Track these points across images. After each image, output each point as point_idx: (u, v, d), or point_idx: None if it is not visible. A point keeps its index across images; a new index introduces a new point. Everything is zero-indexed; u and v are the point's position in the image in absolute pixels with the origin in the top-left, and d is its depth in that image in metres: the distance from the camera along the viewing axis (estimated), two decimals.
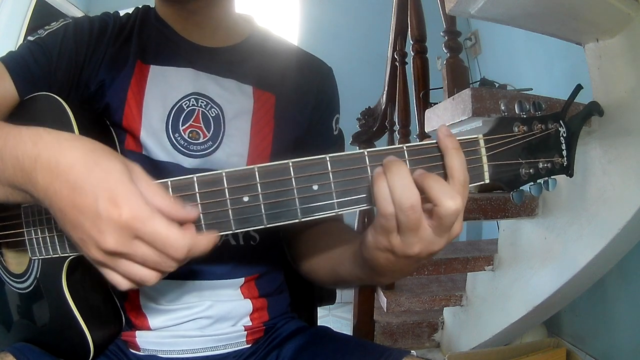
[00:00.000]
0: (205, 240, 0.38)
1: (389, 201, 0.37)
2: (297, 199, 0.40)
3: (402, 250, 0.40)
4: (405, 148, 0.41)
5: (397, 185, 0.37)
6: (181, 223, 0.38)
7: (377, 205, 0.38)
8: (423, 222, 0.38)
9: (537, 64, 2.16)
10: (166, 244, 0.36)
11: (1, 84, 0.56)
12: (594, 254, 1.12)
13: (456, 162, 0.39)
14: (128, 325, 0.62)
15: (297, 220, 0.40)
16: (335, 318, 2.51)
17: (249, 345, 0.64)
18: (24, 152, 0.38)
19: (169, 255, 0.36)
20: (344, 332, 0.70)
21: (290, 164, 0.40)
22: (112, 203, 0.35)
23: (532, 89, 1.45)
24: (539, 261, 1.34)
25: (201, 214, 0.40)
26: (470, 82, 1.75)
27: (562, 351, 1.52)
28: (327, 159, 0.40)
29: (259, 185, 0.40)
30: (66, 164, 0.37)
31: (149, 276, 0.38)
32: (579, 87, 0.46)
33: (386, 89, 2.02)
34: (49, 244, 0.50)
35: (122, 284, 0.38)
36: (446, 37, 1.49)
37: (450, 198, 0.37)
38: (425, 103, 1.58)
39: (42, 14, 2.28)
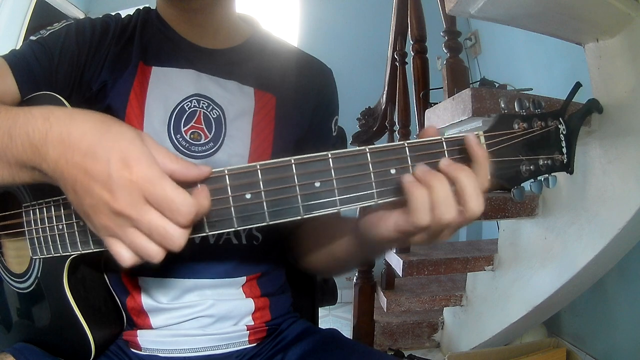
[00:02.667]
0: (205, 198, 0.38)
1: (428, 213, 0.39)
2: (299, 196, 0.40)
3: (418, 241, 0.42)
4: (406, 145, 0.41)
5: (440, 201, 0.38)
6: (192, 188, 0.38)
7: (415, 216, 0.39)
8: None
9: (537, 64, 2.16)
10: (172, 207, 0.36)
11: (4, 81, 0.56)
12: (594, 254, 1.13)
13: (484, 171, 0.41)
14: (129, 325, 0.62)
15: (299, 218, 0.40)
16: (335, 318, 2.51)
17: (252, 345, 0.64)
18: (35, 127, 0.39)
19: (176, 220, 0.36)
20: (344, 332, 0.70)
21: (293, 161, 0.40)
22: (123, 164, 0.36)
23: (532, 89, 1.45)
24: (539, 261, 1.34)
25: None
26: (470, 82, 1.75)
27: (562, 351, 1.52)
28: (329, 156, 0.40)
29: (261, 182, 0.40)
30: (78, 134, 0.37)
31: (154, 251, 0.37)
32: (578, 85, 0.46)
33: (386, 89, 2.02)
34: (50, 243, 0.50)
35: (127, 257, 0.38)
36: (446, 37, 1.49)
37: (478, 206, 0.39)
38: (425, 103, 1.58)
39: (42, 14, 2.28)
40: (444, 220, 0.39)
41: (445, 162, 0.40)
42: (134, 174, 0.35)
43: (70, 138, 0.37)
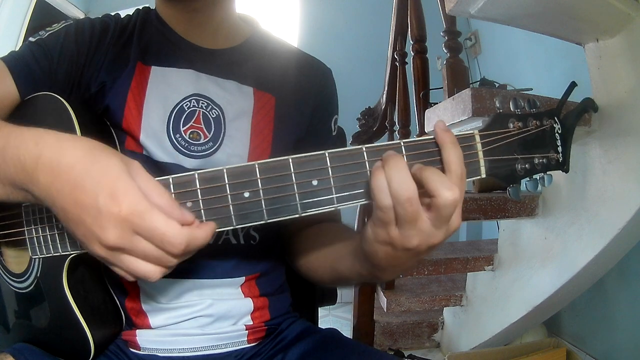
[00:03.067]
0: (204, 233, 0.39)
1: (387, 193, 0.38)
2: (297, 194, 0.40)
3: (401, 242, 0.40)
4: (402, 144, 0.41)
5: (394, 178, 0.38)
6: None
7: (375, 198, 0.39)
8: (421, 215, 0.39)
9: (537, 64, 2.16)
10: (164, 239, 0.36)
11: (3, 83, 0.56)
12: (594, 254, 1.13)
13: (453, 155, 0.40)
14: (128, 325, 0.62)
15: (297, 216, 0.41)
16: (335, 318, 2.51)
17: (251, 345, 0.64)
18: (26, 151, 0.39)
19: (167, 251, 0.37)
20: (344, 332, 0.69)
21: (290, 159, 0.40)
22: (112, 199, 0.36)
23: (532, 89, 1.45)
24: (539, 261, 1.34)
25: (202, 210, 0.40)
26: (470, 82, 1.75)
27: (562, 351, 1.52)
28: (326, 154, 0.41)
29: (259, 180, 0.40)
30: (67, 164, 0.37)
31: (152, 271, 0.38)
32: (573, 85, 0.46)
33: (386, 89, 2.02)
34: (50, 243, 0.50)
35: (128, 277, 0.39)
36: (446, 37, 1.49)
37: (448, 189, 0.37)
38: (425, 103, 1.58)
39: (42, 14, 2.28)
40: (402, 196, 0.37)
41: (414, 167, 0.39)
42: (123, 210, 0.36)
43: (60, 167, 0.37)
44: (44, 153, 0.38)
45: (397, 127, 1.90)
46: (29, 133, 0.40)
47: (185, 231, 0.37)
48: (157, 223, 0.36)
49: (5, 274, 0.61)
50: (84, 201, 0.36)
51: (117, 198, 0.36)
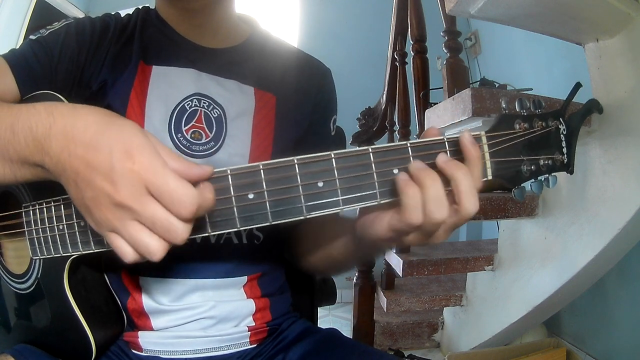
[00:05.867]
0: (211, 194, 0.37)
1: (420, 211, 0.38)
2: (302, 196, 0.40)
3: (413, 241, 0.42)
4: (409, 145, 0.41)
5: (431, 199, 0.38)
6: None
7: (407, 214, 0.39)
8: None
9: (537, 64, 2.16)
10: (174, 197, 0.35)
11: (3, 80, 0.56)
12: (594, 254, 1.13)
13: (477, 171, 0.40)
14: (130, 326, 0.62)
15: (302, 217, 0.40)
16: (335, 318, 2.51)
17: (253, 346, 0.64)
18: (38, 121, 0.39)
19: (177, 213, 0.35)
20: (344, 332, 0.69)
21: (295, 161, 0.40)
22: (126, 155, 0.35)
23: (532, 89, 1.45)
24: (539, 261, 1.34)
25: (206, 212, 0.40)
26: (470, 82, 1.75)
27: (562, 351, 1.52)
28: (332, 156, 0.40)
29: (264, 182, 0.39)
30: (81, 126, 0.37)
31: (156, 246, 0.36)
32: (578, 85, 0.46)
33: (386, 89, 2.02)
34: (51, 244, 0.50)
35: (128, 253, 0.37)
36: (446, 37, 1.49)
37: (474, 204, 0.39)
38: (425, 103, 1.58)
39: (42, 14, 2.28)
40: (435, 219, 0.38)
41: (442, 158, 0.40)
42: (137, 164, 0.35)
43: (74, 130, 0.37)
44: (57, 120, 0.38)
45: (397, 127, 1.90)
46: (41, 105, 0.40)
47: (197, 192, 0.36)
48: (170, 180, 0.35)
49: (5, 275, 0.61)
50: (97, 160, 0.36)
51: (131, 154, 0.35)
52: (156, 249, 0.36)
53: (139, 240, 0.36)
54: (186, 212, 0.35)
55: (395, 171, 0.41)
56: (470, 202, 0.39)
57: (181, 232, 0.36)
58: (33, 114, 0.40)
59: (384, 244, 0.43)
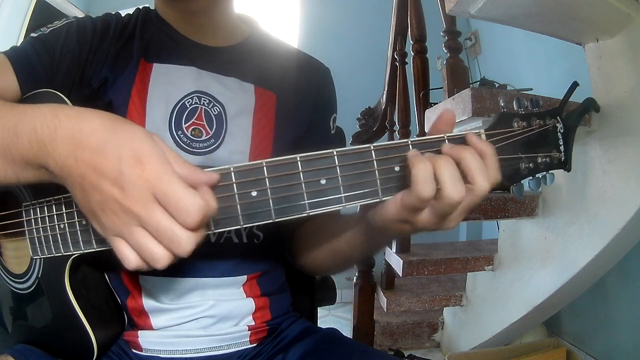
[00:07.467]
0: (213, 200, 0.37)
1: (430, 184, 0.38)
2: (305, 194, 0.40)
3: (423, 225, 0.41)
4: (410, 142, 0.41)
5: (447, 180, 0.38)
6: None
7: (418, 187, 0.38)
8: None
9: (537, 64, 2.16)
10: (180, 206, 0.35)
11: (4, 77, 0.56)
12: (594, 254, 1.13)
13: (493, 164, 0.41)
14: (130, 325, 0.62)
15: (305, 215, 0.40)
16: (335, 318, 2.51)
17: (253, 345, 0.64)
18: (44, 123, 0.38)
19: (183, 221, 0.35)
20: (344, 332, 0.69)
21: (298, 158, 0.40)
22: (136, 160, 0.35)
23: (532, 89, 1.45)
24: (539, 261, 1.34)
25: None
26: (470, 82, 1.75)
27: (562, 351, 1.52)
28: (335, 153, 0.40)
29: (267, 179, 0.40)
30: (88, 130, 0.37)
31: (160, 253, 0.36)
32: (575, 84, 0.46)
33: (386, 89, 2.02)
34: (51, 243, 0.50)
35: (132, 259, 0.37)
36: (446, 37, 1.49)
37: (486, 178, 0.39)
38: (425, 103, 1.58)
39: (42, 14, 2.28)
40: (453, 199, 0.38)
41: (447, 146, 0.40)
42: (146, 171, 0.35)
43: (81, 134, 0.37)
44: (63, 123, 0.38)
45: (397, 127, 1.90)
46: (46, 107, 0.40)
47: (202, 200, 0.36)
48: (177, 189, 0.35)
49: (5, 275, 0.61)
50: (105, 165, 0.36)
51: (141, 160, 0.35)
52: (160, 257, 0.36)
53: (144, 246, 0.36)
54: (192, 220, 0.35)
55: (397, 168, 0.41)
56: (483, 178, 0.39)
57: (184, 242, 0.36)
58: (38, 115, 0.39)
59: (395, 228, 0.43)
